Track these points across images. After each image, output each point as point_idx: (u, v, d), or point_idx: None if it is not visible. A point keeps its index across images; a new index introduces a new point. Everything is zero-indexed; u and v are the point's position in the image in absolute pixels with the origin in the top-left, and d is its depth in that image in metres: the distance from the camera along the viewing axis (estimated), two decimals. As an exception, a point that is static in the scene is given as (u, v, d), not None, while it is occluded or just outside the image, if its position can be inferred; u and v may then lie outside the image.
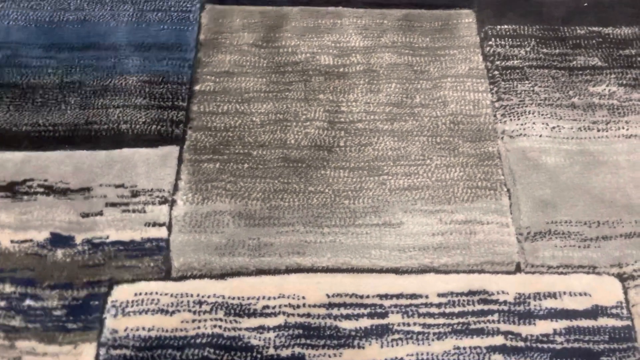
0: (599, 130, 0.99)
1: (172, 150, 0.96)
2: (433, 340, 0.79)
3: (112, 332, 0.80)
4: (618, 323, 0.81)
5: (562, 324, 0.81)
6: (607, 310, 0.82)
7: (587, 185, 0.93)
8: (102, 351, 0.78)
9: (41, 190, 0.92)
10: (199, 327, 0.80)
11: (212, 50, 1.09)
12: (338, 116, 1.01)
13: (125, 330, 0.80)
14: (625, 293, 0.83)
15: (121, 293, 0.83)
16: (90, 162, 0.95)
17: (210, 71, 1.06)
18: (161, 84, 1.04)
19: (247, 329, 0.80)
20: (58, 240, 0.87)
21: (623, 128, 0.99)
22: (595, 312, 0.82)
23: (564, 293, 0.83)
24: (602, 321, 0.81)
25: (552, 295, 0.83)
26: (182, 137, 0.98)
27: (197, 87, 1.04)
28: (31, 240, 0.87)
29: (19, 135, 0.98)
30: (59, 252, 0.86)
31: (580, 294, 0.83)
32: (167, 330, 0.80)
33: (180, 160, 0.96)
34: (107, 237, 0.88)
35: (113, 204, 0.91)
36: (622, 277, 0.85)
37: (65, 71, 1.06)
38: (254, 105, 1.02)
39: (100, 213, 0.90)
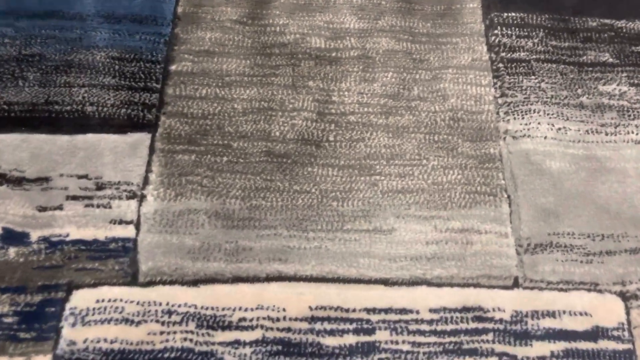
0: (607, 134, 0.92)
1: (143, 137, 0.89)
2: (423, 360, 0.74)
3: (69, 344, 0.73)
4: (619, 346, 0.76)
5: (560, 346, 0.76)
6: (608, 332, 0.77)
7: (593, 194, 0.87)
8: (58, 365, 0.71)
9: (-8, 178, 0.84)
10: (167, 340, 0.74)
11: (191, 26, 1.00)
12: (328, 107, 0.92)
13: (85, 341, 0.73)
14: (628, 313, 0.78)
15: (81, 299, 0.76)
16: (49, 148, 0.87)
17: (188, 49, 0.97)
18: (133, 61, 0.96)
19: (220, 343, 0.74)
20: (10, 236, 0.80)
21: (632, 132, 0.93)
22: (595, 333, 0.77)
23: (564, 312, 0.78)
24: (603, 344, 0.76)
25: (551, 314, 0.78)
26: (154, 124, 0.91)
27: (172, 67, 0.95)
28: (-20, 236, 0.79)
29: (-31, 114, 0.89)
30: (12, 251, 0.79)
31: (581, 314, 0.78)
32: (131, 343, 0.74)
33: (151, 149, 0.88)
34: (67, 235, 0.81)
35: (74, 197, 0.84)
36: (624, 296, 0.80)
37: (24, 42, 0.98)
38: (236, 91, 0.93)
39: (60, 207, 0.83)
